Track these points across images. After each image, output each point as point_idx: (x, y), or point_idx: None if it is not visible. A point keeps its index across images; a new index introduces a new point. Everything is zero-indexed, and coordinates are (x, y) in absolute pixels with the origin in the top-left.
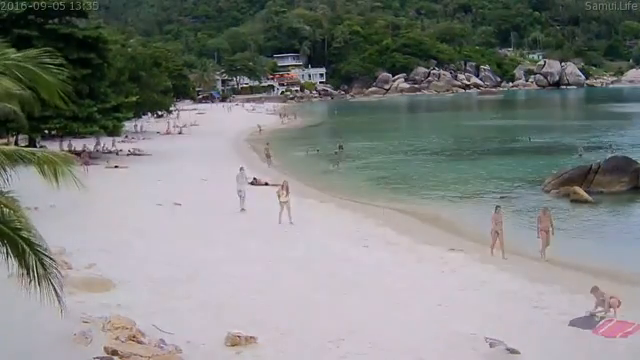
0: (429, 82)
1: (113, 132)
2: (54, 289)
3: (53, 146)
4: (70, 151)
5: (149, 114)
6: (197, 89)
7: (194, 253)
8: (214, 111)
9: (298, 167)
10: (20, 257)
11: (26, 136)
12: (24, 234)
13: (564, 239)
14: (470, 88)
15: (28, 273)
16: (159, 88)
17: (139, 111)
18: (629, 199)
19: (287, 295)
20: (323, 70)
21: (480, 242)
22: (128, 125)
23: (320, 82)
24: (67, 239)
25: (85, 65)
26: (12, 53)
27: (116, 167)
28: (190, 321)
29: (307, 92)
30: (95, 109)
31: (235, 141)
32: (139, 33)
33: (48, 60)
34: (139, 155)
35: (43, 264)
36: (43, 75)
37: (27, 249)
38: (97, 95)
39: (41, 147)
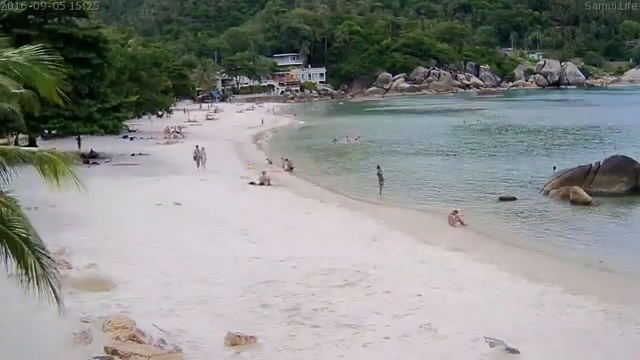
0: (429, 82)
1: (113, 131)
2: (52, 289)
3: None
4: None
5: (149, 114)
6: (197, 89)
7: (194, 253)
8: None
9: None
10: (19, 257)
11: (27, 136)
12: (23, 234)
13: (564, 239)
14: (470, 88)
15: (27, 273)
16: (159, 88)
17: (139, 111)
18: (629, 199)
19: (287, 294)
20: (323, 70)
21: (480, 242)
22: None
23: (320, 82)
24: (67, 239)
25: (85, 65)
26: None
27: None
28: (190, 321)
29: (307, 92)
30: (95, 109)
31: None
32: (139, 33)
33: (46, 58)
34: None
35: (42, 264)
36: (41, 73)
37: (26, 249)
38: (97, 95)
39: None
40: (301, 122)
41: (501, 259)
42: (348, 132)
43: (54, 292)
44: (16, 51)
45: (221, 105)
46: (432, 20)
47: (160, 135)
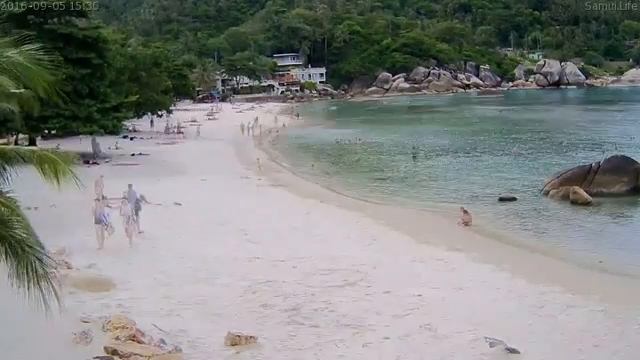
0: (429, 82)
1: (112, 131)
2: (53, 289)
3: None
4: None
5: (149, 114)
6: (197, 89)
7: (194, 253)
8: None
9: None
10: (18, 257)
11: (27, 135)
12: (21, 234)
13: (564, 239)
14: (470, 88)
15: (26, 273)
16: (159, 88)
17: (139, 111)
18: (630, 199)
19: (287, 294)
20: (323, 70)
21: (480, 242)
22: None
23: (320, 82)
24: (67, 239)
25: (84, 65)
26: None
27: None
28: (190, 321)
29: (307, 92)
30: (95, 109)
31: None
32: (139, 33)
33: (45, 58)
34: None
35: (41, 264)
36: (39, 73)
37: (26, 249)
38: (97, 95)
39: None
40: (301, 122)
41: (501, 259)
42: (348, 132)
43: (55, 292)
44: (15, 51)
45: (220, 105)
46: (432, 20)
47: (161, 135)
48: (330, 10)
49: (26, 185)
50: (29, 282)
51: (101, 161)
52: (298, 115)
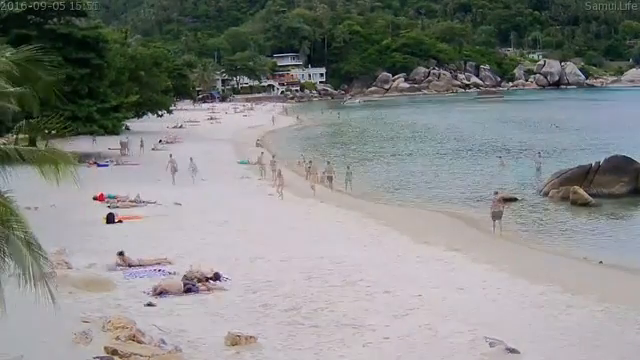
0: (429, 82)
1: (112, 131)
2: (49, 289)
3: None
4: None
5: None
6: (197, 89)
7: (194, 253)
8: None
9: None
10: (17, 257)
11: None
12: (20, 234)
13: (564, 239)
14: (470, 88)
15: (24, 273)
16: (159, 88)
17: (139, 111)
18: (629, 199)
19: (287, 294)
20: (323, 70)
21: (480, 242)
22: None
23: (320, 82)
24: (67, 239)
25: (84, 65)
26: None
27: None
28: (190, 321)
29: (307, 92)
30: (94, 109)
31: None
32: (139, 33)
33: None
34: None
35: (39, 264)
36: (38, 73)
37: (23, 249)
38: (96, 95)
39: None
40: (301, 123)
41: (501, 259)
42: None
43: (50, 293)
44: (14, 51)
45: (219, 105)
46: (432, 20)
47: (163, 135)
48: (330, 10)
49: (26, 185)
50: (26, 283)
51: (101, 161)
52: (296, 116)
